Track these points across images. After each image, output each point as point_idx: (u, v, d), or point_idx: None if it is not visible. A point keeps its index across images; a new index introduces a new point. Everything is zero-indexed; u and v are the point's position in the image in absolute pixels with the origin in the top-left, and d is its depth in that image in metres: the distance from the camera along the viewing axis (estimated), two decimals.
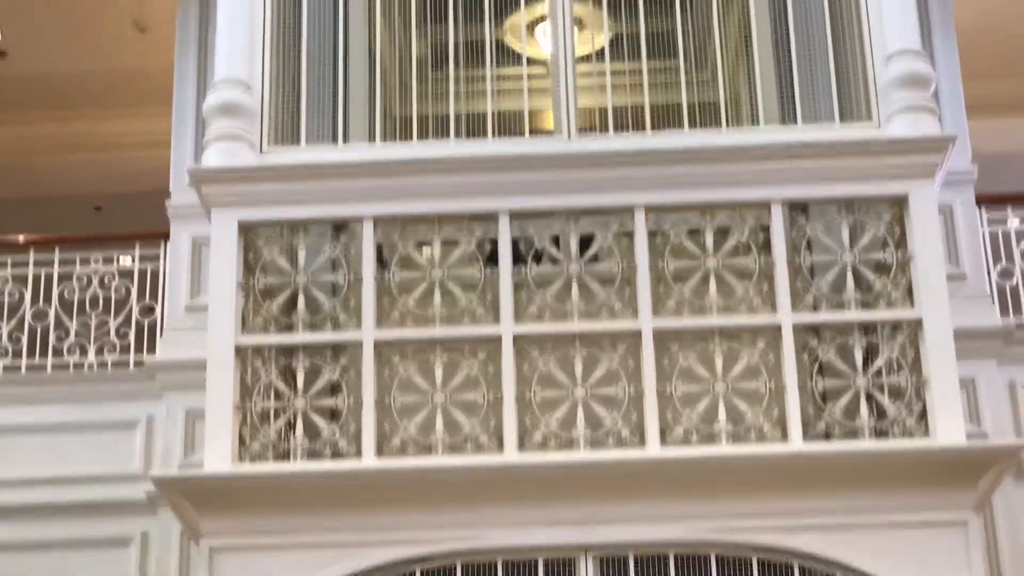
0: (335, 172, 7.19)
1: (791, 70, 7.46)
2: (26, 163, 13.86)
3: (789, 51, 7.49)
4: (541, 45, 8.20)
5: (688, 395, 6.87)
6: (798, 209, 7.16)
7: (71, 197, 14.13)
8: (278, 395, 6.96)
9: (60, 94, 13.28)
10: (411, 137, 7.51)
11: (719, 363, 6.89)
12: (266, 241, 7.16)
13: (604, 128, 7.48)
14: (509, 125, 7.67)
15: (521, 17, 7.94)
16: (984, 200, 9.47)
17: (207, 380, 6.85)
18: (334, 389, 7.01)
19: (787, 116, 7.48)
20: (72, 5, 12.20)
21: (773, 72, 7.54)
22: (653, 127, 7.40)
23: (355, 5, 7.85)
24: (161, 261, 9.43)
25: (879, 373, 6.87)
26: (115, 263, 9.59)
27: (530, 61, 7.99)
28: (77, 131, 13.63)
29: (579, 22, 7.96)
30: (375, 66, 7.78)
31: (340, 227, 7.25)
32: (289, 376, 7.00)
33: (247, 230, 7.13)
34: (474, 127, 7.59)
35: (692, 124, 7.42)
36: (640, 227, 7.04)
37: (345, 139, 7.53)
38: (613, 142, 7.28)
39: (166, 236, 9.44)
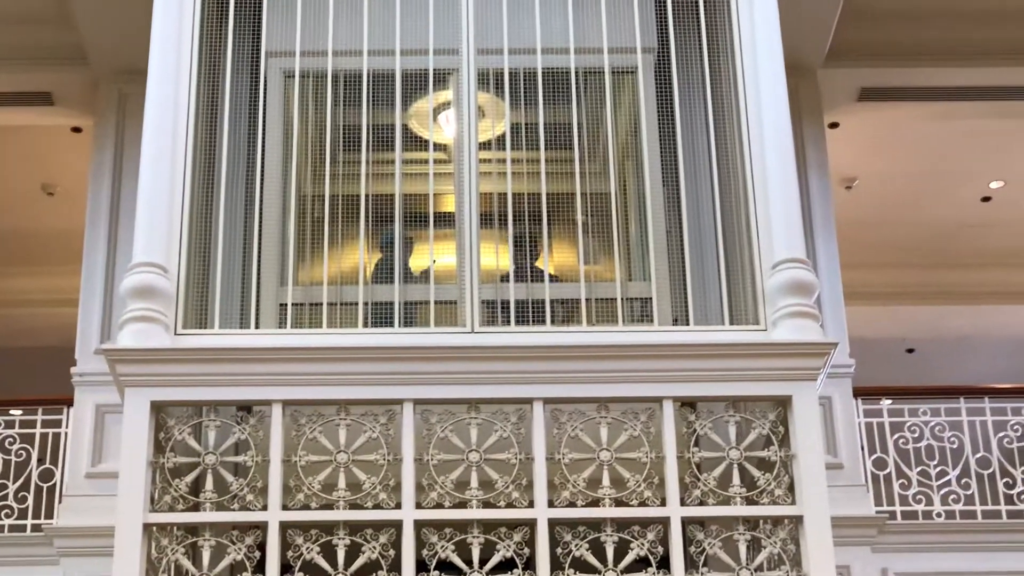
0: (245, 356, 7.42)
1: (684, 273, 7.86)
2: None
3: (683, 255, 7.90)
4: (444, 130, 8.52)
5: None
6: (688, 406, 7.52)
7: None
8: (184, 573, 7.13)
9: None
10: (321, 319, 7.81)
11: (610, 552, 7.18)
12: (177, 421, 7.35)
13: (504, 213, 7.93)
14: (414, 207, 8.03)
15: (429, 103, 8.36)
16: (861, 392, 9.95)
17: (114, 558, 6.97)
18: (236, 569, 7.17)
19: (680, 317, 7.86)
20: None
21: (667, 276, 7.92)
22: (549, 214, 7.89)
23: (269, 189, 8.14)
24: (63, 427, 9.59)
25: (761, 567, 7.19)
26: (16, 427, 9.73)
27: (434, 146, 8.37)
28: None
29: (480, 110, 8.29)
30: (288, 249, 8.05)
31: (249, 409, 7.48)
32: (195, 553, 7.17)
33: (159, 409, 7.33)
34: (382, 208, 7.99)
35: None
36: (538, 419, 7.36)
37: (257, 324, 7.79)
38: (514, 336, 7.60)
39: (69, 402, 9.61)
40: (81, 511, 9.17)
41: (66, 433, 9.58)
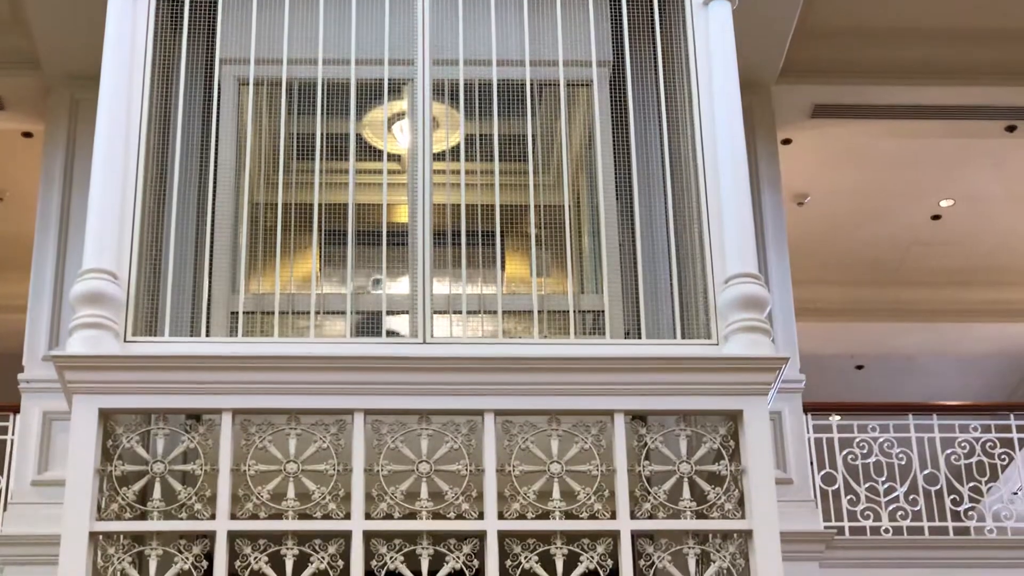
0: (196, 364, 7.37)
1: (637, 286, 7.87)
2: None
3: (636, 269, 7.92)
4: (398, 140, 8.52)
5: None
6: (639, 419, 7.52)
7: None
8: None
9: None
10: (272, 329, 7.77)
11: (560, 565, 7.16)
12: (125, 428, 7.30)
13: (456, 223, 7.92)
14: (367, 217, 8.02)
15: (384, 113, 8.34)
16: (811, 408, 9.98)
17: (60, 567, 6.91)
18: None
19: (632, 331, 7.86)
20: None
21: (620, 289, 7.92)
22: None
23: (222, 196, 8.11)
24: (10, 434, 9.49)
25: None
26: None
27: (388, 156, 8.34)
28: None
29: (434, 121, 8.26)
30: (240, 257, 8.00)
31: (198, 417, 7.42)
32: (142, 562, 7.12)
33: (107, 417, 7.27)
34: (335, 217, 8.00)
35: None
36: (489, 430, 7.34)
37: (208, 332, 7.74)
38: (466, 348, 7.59)
39: (16, 409, 9.52)
40: (26, 519, 9.07)
41: (12, 440, 9.48)
